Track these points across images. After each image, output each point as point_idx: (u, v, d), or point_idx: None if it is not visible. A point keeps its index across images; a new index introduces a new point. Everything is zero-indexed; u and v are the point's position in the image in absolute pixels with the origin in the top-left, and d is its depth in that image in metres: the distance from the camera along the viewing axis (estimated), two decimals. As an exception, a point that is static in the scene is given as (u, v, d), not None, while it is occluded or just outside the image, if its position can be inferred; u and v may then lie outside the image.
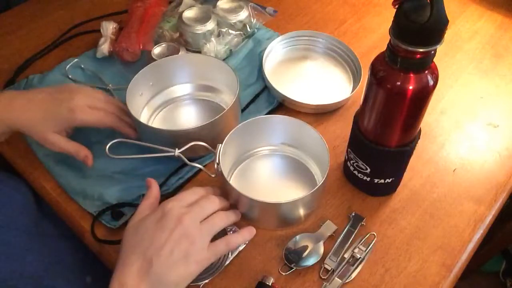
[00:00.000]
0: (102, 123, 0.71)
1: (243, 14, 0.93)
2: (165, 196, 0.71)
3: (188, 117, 0.83)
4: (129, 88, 0.74)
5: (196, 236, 0.55)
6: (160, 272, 0.53)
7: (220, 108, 0.83)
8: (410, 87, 0.54)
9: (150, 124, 0.80)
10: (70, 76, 0.87)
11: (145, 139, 0.73)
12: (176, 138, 0.71)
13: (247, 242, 0.66)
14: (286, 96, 0.82)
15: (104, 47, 0.89)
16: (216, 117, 0.70)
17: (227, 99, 0.83)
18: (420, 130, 0.64)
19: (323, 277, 0.64)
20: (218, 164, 0.66)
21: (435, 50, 0.52)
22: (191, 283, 0.61)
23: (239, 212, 0.65)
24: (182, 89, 0.85)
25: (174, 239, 0.54)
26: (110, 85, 0.86)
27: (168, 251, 0.53)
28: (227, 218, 0.61)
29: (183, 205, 0.58)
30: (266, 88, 0.86)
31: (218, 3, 0.94)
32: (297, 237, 0.67)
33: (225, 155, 0.69)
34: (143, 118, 0.80)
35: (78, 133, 0.77)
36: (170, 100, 0.84)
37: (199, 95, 0.85)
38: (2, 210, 0.68)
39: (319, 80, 0.90)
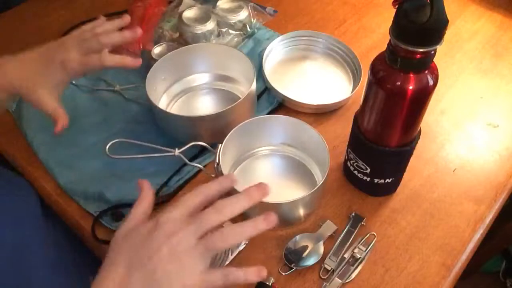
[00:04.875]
0: (96, 66, 0.68)
1: (243, 14, 0.93)
2: (165, 197, 0.71)
3: (205, 106, 0.85)
4: (149, 76, 0.77)
5: (185, 258, 0.46)
6: None
7: (237, 98, 0.84)
8: (410, 87, 0.54)
9: (168, 110, 0.82)
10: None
11: (162, 125, 0.78)
12: (192, 125, 0.75)
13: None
14: (286, 96, 0.82)
15: (104, 47, 0.89)
16: (232, 105, 0.72)
17: (243, 89, 0.85)
18: (420, 130, 0.64)
19: (323, 277, 0.64)
20: (218, 164, 0.66)
21: (435, 50, 0.52)
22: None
23: (272, 218, 0.48)
24: (200, 78, 0.87)
25: (160, 257, 0.46)
26: (117, 86, 0.86)
27: (151, 269, 0.45)
28: (240, 234, 0.47)
29: (183, 214, 0.48)
30: (266, 88, 0.86)
31: (218, 3, 0.94)
32: (297, 237, 0.67)
33: (225, 155, 0.69)
34: (162, 104, 0.83)
35: (78, 134, 0.77)
36: (188, 89, 0.87)
37: (217, 84, 0.87)
38: (7, 209, 0.68)
39: (319, 80, 0.90)
